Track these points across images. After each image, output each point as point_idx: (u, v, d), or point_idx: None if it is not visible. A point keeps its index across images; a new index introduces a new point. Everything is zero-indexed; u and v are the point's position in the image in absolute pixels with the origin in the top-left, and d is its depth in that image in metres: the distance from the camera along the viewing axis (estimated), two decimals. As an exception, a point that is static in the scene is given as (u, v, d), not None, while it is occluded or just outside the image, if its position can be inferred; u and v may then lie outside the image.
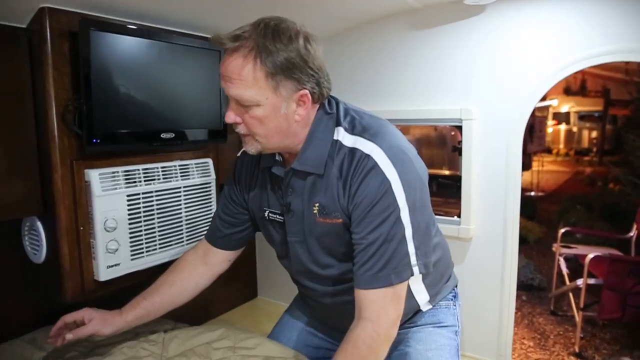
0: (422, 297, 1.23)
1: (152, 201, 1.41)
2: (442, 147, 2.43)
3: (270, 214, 1.18)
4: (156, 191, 1.41)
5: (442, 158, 2.43)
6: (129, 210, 1.35)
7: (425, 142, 2.43)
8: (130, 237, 1.36)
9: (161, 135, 1.41)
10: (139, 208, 1.37)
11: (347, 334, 1.03)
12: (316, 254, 1.13)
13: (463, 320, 1.46)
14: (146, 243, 1.40)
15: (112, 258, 1.32)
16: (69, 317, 1.19)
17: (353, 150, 1.02)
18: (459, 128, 1.83)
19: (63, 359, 1.25)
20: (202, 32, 1.61)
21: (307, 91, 0.99)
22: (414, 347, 1.24)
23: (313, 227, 1.10)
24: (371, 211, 0.99)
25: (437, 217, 1.96)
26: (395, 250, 0.99)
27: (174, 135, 1.44)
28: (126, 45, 1.31)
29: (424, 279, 1.20)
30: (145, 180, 1.39)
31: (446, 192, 2.19)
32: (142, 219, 1.38)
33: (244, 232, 1.29)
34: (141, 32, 1.35)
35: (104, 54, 1.26)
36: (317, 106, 1.06)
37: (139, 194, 1.37)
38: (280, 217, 1.15)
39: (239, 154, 1.27)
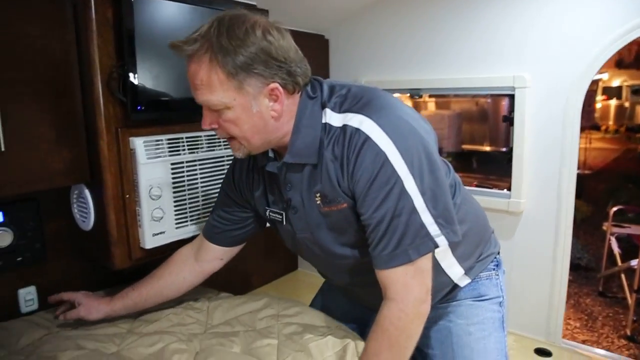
0: (455, 271, 1.16)
1: (195, 170, 1.40)
2: (483, 122, 2.33)
3: (271, 213, 1.14)
4: (200, 160, 1.40)
5: (483, 134, 2.33)
6: (173, 178, 1.35)
7: (466, 117, 2.33)
8: (175, 205, 1.36)
9: (204, 104, 1.39)
10: (183, 176, 1.37)
11: (376, 316, 0.99)
12: (329, 246, 1.09)
13: (510, 296, 1.39)
14: (190, 211, 1.40)
15: (157, 226, 1.33)
16: (65, 296, 1.29)
17: (343, 128, 0.95)
18: (511, 97, 1.74)
19: (113, 324, 1.28)
20: (245, -2, 1.57)
21: (276, 84, 0.93)
22: (454, 321, 1.20)
23: (319, 219, 1.05)
24: (371, 188, 0.93)
25: (482, 189, 1.91)
26: (408, 224, 0.93)
27: (217, 103, 1.42)
28: (169, 11, 1.29)
29: (453, 252, 1.13)
30: (189, 149, 1.38)
31: (490, 168, 2.10)
32: (186, 187, 1.38)
33: (242, 230, 1.26)
34: (184, -3, 1.32)
35: (147, 20, 1.24)
36: (298, 95, 0.99)
37: (182, 162, 1.36)
38: (280, 216, 1.12)
39: (230, 165, 1.24)
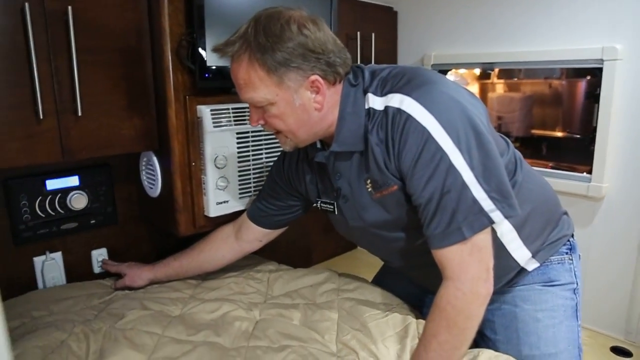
0: (521, 254, 1.09)
1: (260, 141, 1.39)
2: (556, 105, 2.17)
3: (322, 204, 1.16)
4: (265, 131, 1.39)
5: (556, 118, 2.17)
6: (238, 148, 1.34)
7: (537, 101, 2.18)
8: (239, 175, 1.36)
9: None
10: (248, 146, 1.36)
11: (435, 299, 0.95)
12: (382, 232, 1.07)
13: (585, 288, 1.29)
14: (254, 182, 1.40)
15: (221, 195, 1.34)
16: (112, 268, 1.41)
17: (385, 110, 0.95)
18: (598, 71, 1.59)
19: (176, 289, 1.31)
20: (313, -35, 1.52)
21: (316, 76, 0.95)
22: (521, 306, 1.12)
23: (370, 206, 1.04)
24: (416, 166, 0.91)
25: (557, 171, 1.78)
26: (459, 200, 0.89)
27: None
28: (238, -23, 1.27)
29: (519, 233, 1.06)
30: (254, 119, 1.37)
31: (562, 155, 1.96)
32: (251, 158, 1.38)
33: (286, 216, 1.29)
34: (253, -36, 1.30)
35: (216, -13, 1.23)
36: (340, 84, 1.00)
37: (248, 132, 1.36)
38: (331, 206, 1.13)
39: (278, 159, 1.27)
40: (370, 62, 1.87)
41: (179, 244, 1.62)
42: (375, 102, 0.97)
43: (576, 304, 1.14)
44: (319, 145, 1.10)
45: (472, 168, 0.89)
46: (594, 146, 1.62)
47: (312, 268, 1.50)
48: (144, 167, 1.45)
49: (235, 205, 1.38)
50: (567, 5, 1.63)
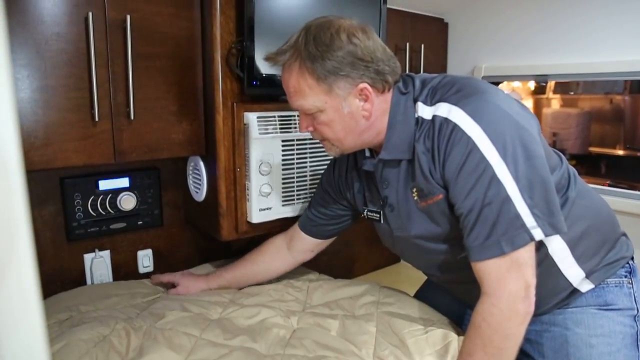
0: (574, 273, 1.03)
1: (305, 149, 1.39)
2: (617, 122, 2.06)
3: (368, 213, 1.15)
4: (310, 139, 1.39)
5: (617, 136, 2.06)
6: (283, 155, 1.35)
7: (596, 117, 2.07)
8: (283, 183, 1.37)
9: (316, 82, 1.38)
10: (293, 154, 1.37)
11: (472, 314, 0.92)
12: (425, 243, 1.05)
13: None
14: (297, 190, 1.40)
15: (264, 201, 1.35)
16: (165, 278, 1.39)
17: (433, 119, 0.94)
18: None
19: (217, 293, 1.33)
20: (363, -24, 1.52)
21: (365, 84, 0.96)
22: (572, 330, 1.05)
23: (415, 215, 1.03)
24: (459, 176, 0.90)
25: (613, 189, 1.68)
26: (500, 212, 0.87)
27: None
28: (288, -13, 1.29)
29: (572, 251, 1.01)
30: (299, 127, 1.38)
31: (622, 174, 1.85)
32: (295, 165, 1.38)
33: (337, 225, 1.30)
34: (303, -26, 1.32)
35: (267, -3, 1.25)
36: (389, 92, 1.00)
37: (293, 140, 1.36)
38: (377, 215, 1.12)
39: (328, 167, 1.29)
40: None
41: (222, 248, 1.65)
42: (425, 111, 0.97)
43: (637, 332, 1.06)
44: (367, 154, 1.10)
45: (517, 181, 0.86)
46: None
47: (353, 279, 1.48)
48: (190, 172, 1.48)
49: (278, 212, 1.38)
50: (630, 13, 1.55)
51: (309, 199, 1.42)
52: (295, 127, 1.36)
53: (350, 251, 2.09)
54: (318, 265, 1.85)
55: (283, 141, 1.35)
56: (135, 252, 1.53)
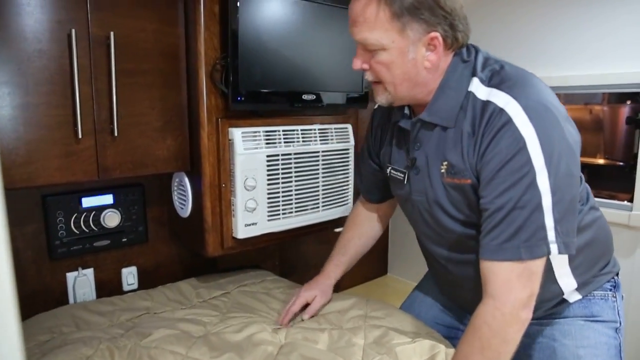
0: (567, 282, 1.04)
1: (290, 163, 1.40)
2: (596, 132, 2.10)
3: (392, 171, 1.11)
4: (295, 153, 1.40)
5: (596, 145, 2.10)
6: (268, 170, 1.35)
7: (576, 126, 2.12)
8: (268, 198, 1.37)
9: (302, 97, 1.39)
10: (278, 169, 1.37)
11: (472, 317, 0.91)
12: (439, 216, 1.03)
13: (627, 324, 1.21)
14: (283, 205, 1.40)
15: (250, 217, 1.34)
16: (295, 308, 1.26)
17: (486, 104, 0.90)
18: (638, 96, 1.54)
19: (201, 309, 1.31)
20: (347, -8, 1.55)
21: (437, 34, 0.91)
22: (560, 341, 1.06)
23: (438, 187, 1.00)
24: (500, 172, 0.87)
25: (596, 199, 1.71)
26: (528, 219, 0.85)
27: (315, 97, 1.41)
28: (273, 4, 1.30)
29: (570, 262, 1.02)
30: (284, 142, 1.38)
31: (603, 183, 1.88)
32: (280, 180, 1.38)
33: (386, 185, 1.24)
34: (287, -10, 1.33)
35: (251, 14, 1.26)
36: (452, 53, 0.96)
37: (278, 155, 1.37)
38: (402, 175, 1.08)
39: (375, 106, 1.21)
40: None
41: (208, 264, 1.64)
42: (480, 89, 0.93)
43: (619, 344, 1.08)
44: (406, 111, 1.07)
45: (552, 193, 0.85)
46: (635, 173, 1.55)
47: (340, 293, 1.48)
48: (175, 188, 1.47)
49: (264, 227, 1.38)
50: (608, 27, 1.60)
51: (296, 213, 1.42)
52: (280, 142, 1.37)
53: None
54: (305, 279, 1.85)
55: (268, 156, 1.35)
56: (119, 269, 1.50)
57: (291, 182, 1.41)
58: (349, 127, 1.56)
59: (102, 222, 1.41)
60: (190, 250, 1.61)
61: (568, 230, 0.88)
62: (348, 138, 1.55)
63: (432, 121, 0.98)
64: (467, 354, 0.90)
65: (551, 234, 0.86)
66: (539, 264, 0.88)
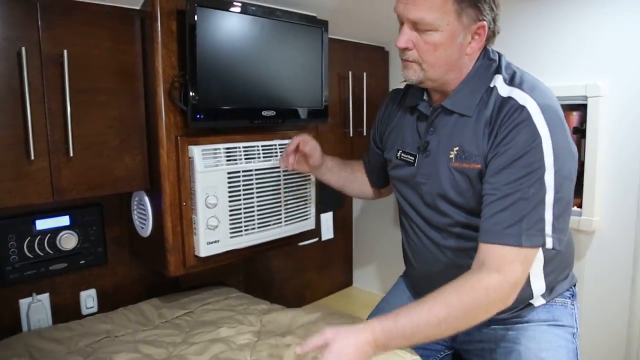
0: (538, 286, 1.12)
1: (251, 179, 1.39)
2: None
3: (402, 154, 1.17)
4: (256, 170, 1.40)
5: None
6: (229, 187, 1.35)
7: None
8: (230, 215, 1.36)
9: (262, 113, 1.39)
10: (239, 186, 1.37)
11: (465, 274, 0.95)
12: (437, 200, 1.09)
13: (582, 327, 1.28)
14: (245, 221, 1.39)
15: (212, 234, 1.33)
16: (296, 141, 1.33)
17: (507, 99, 0.99)
18: (582, 107, 1.62)
19: (165, 330, 1.29)
20: (306, 9, 1.57)
21: (485, 24, 1.00)
22: (525, 345, 1.12)
23: (444, 171, 1.07)
24: (515, 163, 0.94)
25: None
26: (532, 211, 0.93)
27: (274, 113, 1.42)
28: (231, 22, 1.31)
29: (544, 267, 1.09)
30: (245, 158, 1.38)
31: None
32: (242, 197, 1.38)
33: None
34: (246, 8, 1.34)
35: (209, 31, 1.26)
36: (484, 48, 1.06)
37: (239, 171, 1.36)
38: (412, 157, 1.14)
39: (386, 97, 1.34)
40: (362, 101, 1.90)
41: (170, 283, 1.61)
42: (502, 86, 1.01)
43: (576, 348, 1.15)
44: (425, 97, 1.14)
45: (555, 191, 0.93)
46: (582, 180, 1.63)
47: (305, 307, 1.48)
48: (135, 207, 1.44)
49: (226, 244, 1.37)
50: (554, 42, 1.68)
51: (258, 230, 1.42)
52: (241, 158, 1.37)
53: (301, 278, 2.09)
54: (269, 294, 1.85)
55: (229, 173, 1.34)
56: (77, 293, 1.46)
57: (253, 198, 1.40)
58: (310, 141, 1.57)
59: (58, 245, 1.37)
60: (152, 270, 1.58)
61: (562, 228, 0.96)
62: (309, 152, 1.55)
63: (454, 109, 1.05)
64: (452, 302, 0.92)
65: (549, 228, 0.93)
66: (533, 253, 0.96)
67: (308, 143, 1.33)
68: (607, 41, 1.56)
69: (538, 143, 0.93)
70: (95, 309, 1.49)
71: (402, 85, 1.28)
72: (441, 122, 1.08)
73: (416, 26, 0.99)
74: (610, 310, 1.63)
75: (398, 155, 1.18)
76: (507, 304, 0.95)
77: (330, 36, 1.58)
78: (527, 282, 1.09)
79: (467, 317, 0.92)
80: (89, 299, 1.47)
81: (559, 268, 1.16)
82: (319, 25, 1.52)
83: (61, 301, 1.42)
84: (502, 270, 0.92)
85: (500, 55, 1.09)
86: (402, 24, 1.02)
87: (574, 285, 1.24)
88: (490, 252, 0.94)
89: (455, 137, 1.05)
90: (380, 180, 1.42)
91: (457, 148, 1.04)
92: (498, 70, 1.04)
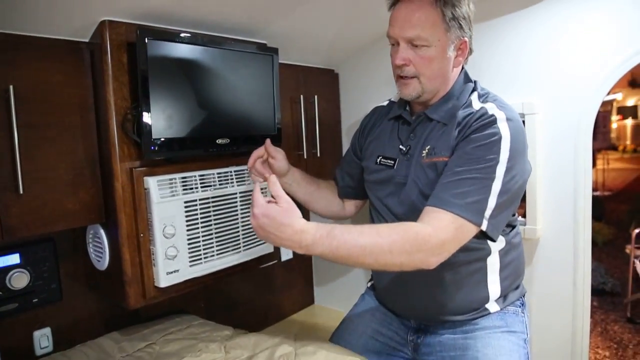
0: (494, 289, 1.24)
1: (209, 207, 1.40)
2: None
3: (382, 159, 1.30)
4: (212, 197, 1.41)
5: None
6: (186, 216, 1.35)
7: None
8: (189, 244, 1.36)
9: (217, 141, 1.41)
10: (196, 214, 1.37)
11: (403, 223, 1.07)
12: (413, 197, 1.20)
13: (531, 328, 1.37)
14: (204, 249, 1.40)
15: (171, 264, 1.33)
16: (262, 149, 1.37)
17: (479, 110, 1.14)
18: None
19: (132, 356, 1.27)
20: (256, 37, 1.61)
21: (467, 39, 1.17)
22: (482, 352, 1.20)
23: (418, 168, 1.19)
24: (474, 149, 1.08)
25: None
26: (477, 191, 1.05)
27: (229, 140, 1.44)
28: (181, 52, 1.32)
29: (501, 271, 1.22)
30: (202, 187, 1.39)
31: None
32: (200, 225, 1.38)
33: (361, 185, 1.43)
34: (196, 39, 1.36)
35: (160, 63, 1.27)
36: (462, 68, 1.24)
37: (196, 200, 1.37)
38: (391, 161, 1.27)
39: (368, 113, 1.47)
40: (315, 123, 1.95)
41: (130, 316, 1.58)
42: (475, 101, 1.19)
43: (527, 352, 1.25)
44: (407, 108, 1.29)
45: (502, 184, 1.06)
46: (525, 191, 1.74)
47: (268, 330, 1.50)
48: (90, 240, 1.42)
49: (186, 273, 1.37)
50: (490, 62, 1.78)
51: (217, 257, 1.43)
52: (197, 187, 1.38)
53: (262, 300, 2.10)
54: (232, 318, 1.84)
55: (186, 202, 1.35)
56: (30, 333, 1.41)
57: (211, 226, 1.41)
58: (265, 166, 1.59)
59: (8, 285, 1.32)
60: (110, 303, 1.55)
61: (500, 220, 1.09)
62: (265, 177, 1.58)
63: (436, 118, 1.20)
64: (383, 234, 1.02)
65: (488, 212, 1.06)
66: (468, 229, 1.05)
67: (272, 145, 1.39)
68: (539, 62, 1.68)
69: (498, 139, 1.07)
70: (50, 349, 1.44)
71: (383, 103, 1.45)
72: (421, 129, 1.23)
73: (412, 43, 1.13)
74: (555, 310, 1.73)
75: (378, 161, 1.31)
76: (429, 263, 1.03)
77: (280, 61, 1.63)
78: (485, 284, 1.22)
79: (391, 251, 1.00)
80: (43, 339, 1.42)
81: (513, 275, 1.28)
82: (270, 52, 1.56)
83: (12, 344, 1.37)
84: (436, 228, 1.03)
85: (475, 80, 1.26)
86: (395, 44, 1.18)
87: (524, 296, 1.35)
88: (431, 214, 1.06)
89: (429, 140, 1.20)
90: (350, 192, 1.50)
91: (428, 147, 1.18)
92: (475, 89, 1.22)
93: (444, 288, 1.22)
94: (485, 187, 1.06)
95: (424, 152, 1.19)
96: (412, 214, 1.15)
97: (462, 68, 1.25)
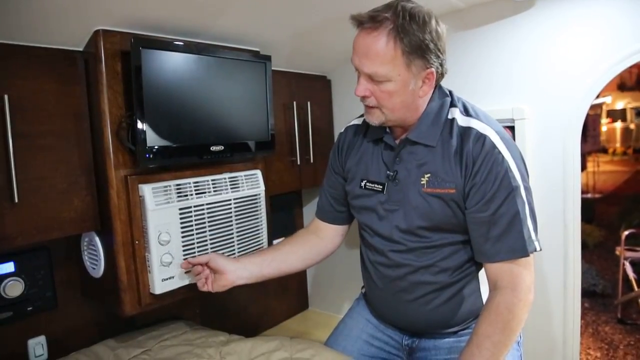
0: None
1: (203, 214, 1.42)
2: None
3: (367, 184, 1.24)
4: (207, 204, 1.42)
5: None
6: (181, 223, 1.36)
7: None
8: (184, 250, 1.37)
9: (211, 148, 1.42)
10: (191, 221, 1.38)
11: (486, 303, 1.11)
12: (409, 224, 1.17)
13: (524, 330, 1.38)
14: (199, 255, 1.40)
15: (166, 271, 1.34)
16: (195, 261, 1.30)
17: (468, 129, 1.11)
18: (511, 129, 1.76)
19: (123, 372, 1.27)
20: (249, 45, 1.62)
21: (433, 70, 1.09)
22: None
23: (415, 198, 1.15)
24: (498, 190, 1.07)
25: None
26: (524, 223, 1.07)
27: (223, 147, 1.45)
28: (175, 61, 1.34)
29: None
30: (196, 193, 1.40)
31: None
32: (195, 231, 1.39)
33: (347, 208, 1.36)
34: (189, 47, 1.38)
35: (154, 71, 1.28)
36: (435, 86, 1.16)
37: (190, 207, 1.38)
38: (379, 186, 1.21)
39: (342, 130, 1.38)
40: (308, 129, 1.97)
41: (125, 323, 1.58)
42: (460, 117, 1.14)
43: (521, 354, 1.27)
44: (388, 130, 1.21)
45: (528, 202, 1.10)
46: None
47: (263, 335, 1.50)
48: (85, 248, 1.43)
49: (182, 280, 1.37)
50: (481, 69, 1.81)
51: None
52: (192, 194, 1.39)
53: (257, 305, 2.10)
54: (228, 324, 1.85)
55: (180, 209, 1.36)
56: (25, 341, 1.41)
57: (205, 232, 1.42)
58: (259, 172, 1.61)
59: (3, 293, 1.32)
60: (105, 310, 1.55)
61: (537, 234, 1.11)
62: (258, 183, 1.60)
63: (418, 141, 1.15)
64: (489, 334, 1.06)
65: (534, 234, 1.10)
66: (532, 258, 1.11)
67: (217, 260, 1.30)
68: (529, 68, 1.71)
69: (507, 167, 1.07)
70: (45, 357, 1.44)
71: (357, 121, 1.35)
72: (406, 152, 1.18)
73: (371, 78, 1.08)
74: (547, 312, 1.76)
75: (362, 184, 1.25)
76: (531, 302, 1.09)
77: (273, 68, 1.64)
78: (479, 294, 1.22)
79: (510, 335, 1.07)
80: (38, 347, 1.42)
81: None
82: (263, 60, 1.58)
83: (6, 352, 1.37)
84: (512, 285, 1.07)
85: (451, 92, 1.21)
86: (359, 73, 1.11)
87: None
88: (499, 270, 1.09)
89: (424, 165, 1.15)
90: (339, 217, 1.40)
91: (428, 175, 1.14)
92: (453, 104, 1.17)
93: (438, 306, 1.21)
94: (525, 216, 1.08)
95: (422, 180, 1.14)
96: (407, 237, 1.18)
97: (435, 86, 1.17)
